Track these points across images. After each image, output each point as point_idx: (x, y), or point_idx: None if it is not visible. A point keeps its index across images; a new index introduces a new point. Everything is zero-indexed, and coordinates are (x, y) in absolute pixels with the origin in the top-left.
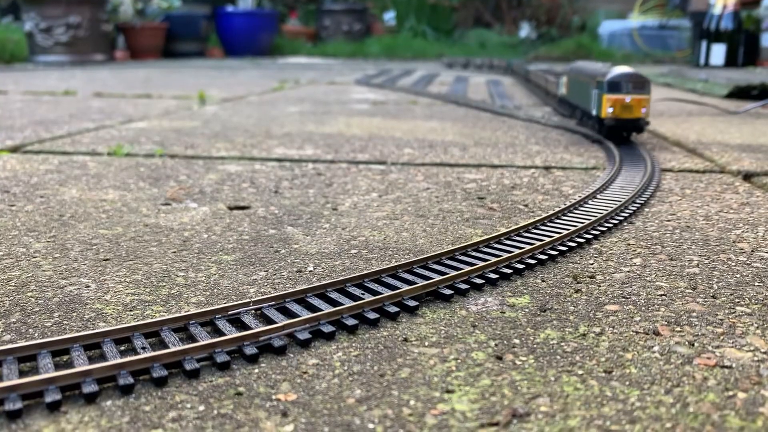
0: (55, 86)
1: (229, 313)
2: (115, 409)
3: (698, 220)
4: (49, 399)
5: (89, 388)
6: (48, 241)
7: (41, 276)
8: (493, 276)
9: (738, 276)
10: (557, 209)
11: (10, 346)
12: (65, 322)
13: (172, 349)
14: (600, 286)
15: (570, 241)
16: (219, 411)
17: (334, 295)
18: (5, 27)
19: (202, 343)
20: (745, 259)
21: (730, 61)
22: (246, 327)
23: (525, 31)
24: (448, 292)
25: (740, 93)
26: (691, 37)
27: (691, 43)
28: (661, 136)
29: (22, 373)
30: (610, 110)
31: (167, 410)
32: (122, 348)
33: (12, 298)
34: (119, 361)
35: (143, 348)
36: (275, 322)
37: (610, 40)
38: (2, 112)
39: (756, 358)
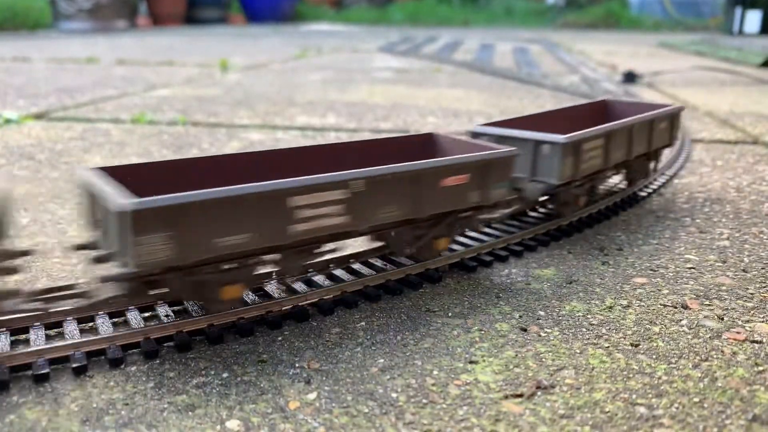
0: (78, 53)
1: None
2: (140, 375)
3: (729, 192)
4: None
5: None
6: (73, 208)
7: (67, 243)
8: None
9: None
10: None
11: (39, 313)
12: None
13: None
14: (627, 259)
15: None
16: (242, 378)
17: (357, 266)
18: None
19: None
20: None
21: (766, 29)
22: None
23: None
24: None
25: None
26: (725, 3)
27: (725, 10)
28: (692, 106)
29: (49, 338)
30: None
31: (191, 376)
32: (145, 315)
33: (39, 263)
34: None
35: (166, 316)
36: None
37: (640, 6)
38: (27, 80)
39: None
